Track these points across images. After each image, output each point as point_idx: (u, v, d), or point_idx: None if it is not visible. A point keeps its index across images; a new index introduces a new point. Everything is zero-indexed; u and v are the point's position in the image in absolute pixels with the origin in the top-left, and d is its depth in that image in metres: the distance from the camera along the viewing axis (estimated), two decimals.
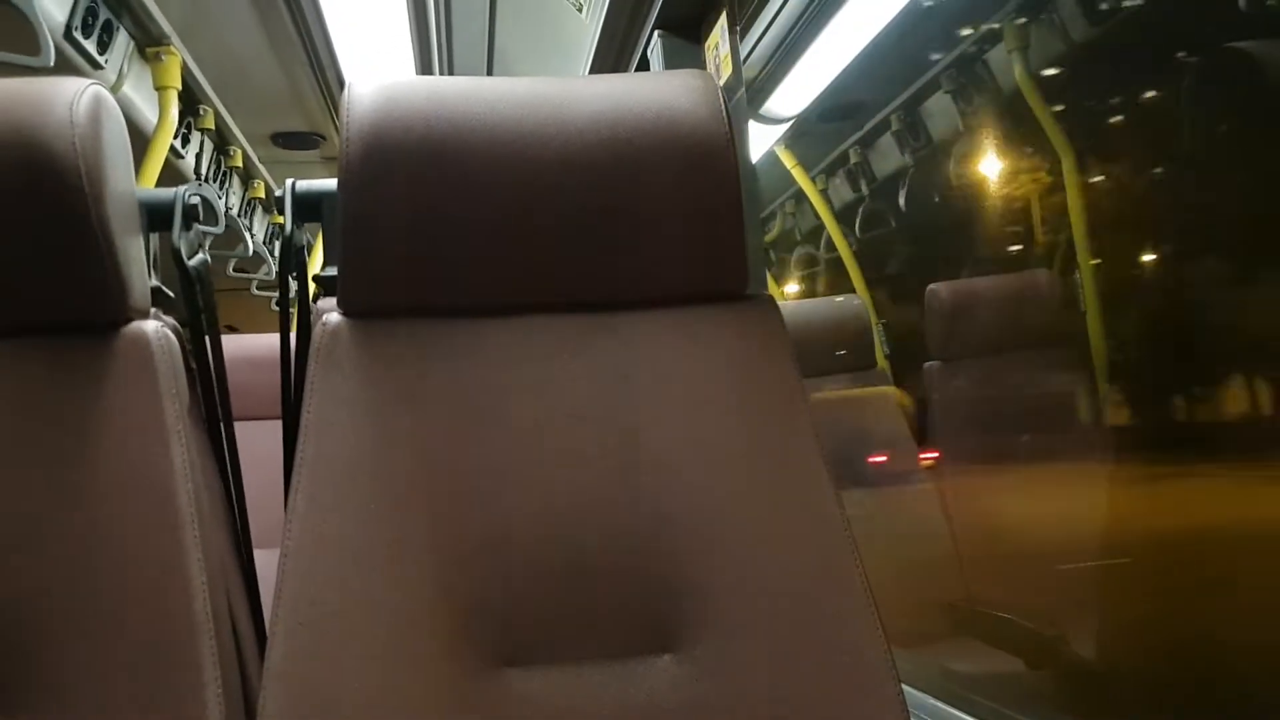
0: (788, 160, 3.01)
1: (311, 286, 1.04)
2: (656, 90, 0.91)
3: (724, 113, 0.90)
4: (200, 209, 1.03)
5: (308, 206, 1.01)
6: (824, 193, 3.08)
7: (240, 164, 3.04)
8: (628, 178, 0.87)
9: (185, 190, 1.02)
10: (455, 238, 0.86)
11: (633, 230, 0.88)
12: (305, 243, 1.07)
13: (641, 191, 0.88)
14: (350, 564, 0.78)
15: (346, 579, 0.77)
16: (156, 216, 1.01)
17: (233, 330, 2.61)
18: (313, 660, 0.75)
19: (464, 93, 0.89)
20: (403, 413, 0.84)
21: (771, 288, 3.47)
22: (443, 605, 0.78)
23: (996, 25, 2.43)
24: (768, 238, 3.54)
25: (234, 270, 3.53)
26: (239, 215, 3.23)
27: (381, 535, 0.79)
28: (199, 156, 2.83)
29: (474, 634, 0.79)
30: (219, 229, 2.88)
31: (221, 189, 3.02)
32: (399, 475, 0.82)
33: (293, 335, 1.03)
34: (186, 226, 1.01)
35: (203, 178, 2.85)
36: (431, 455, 0.83)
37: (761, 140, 2.93)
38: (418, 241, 0.86)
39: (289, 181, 1.02)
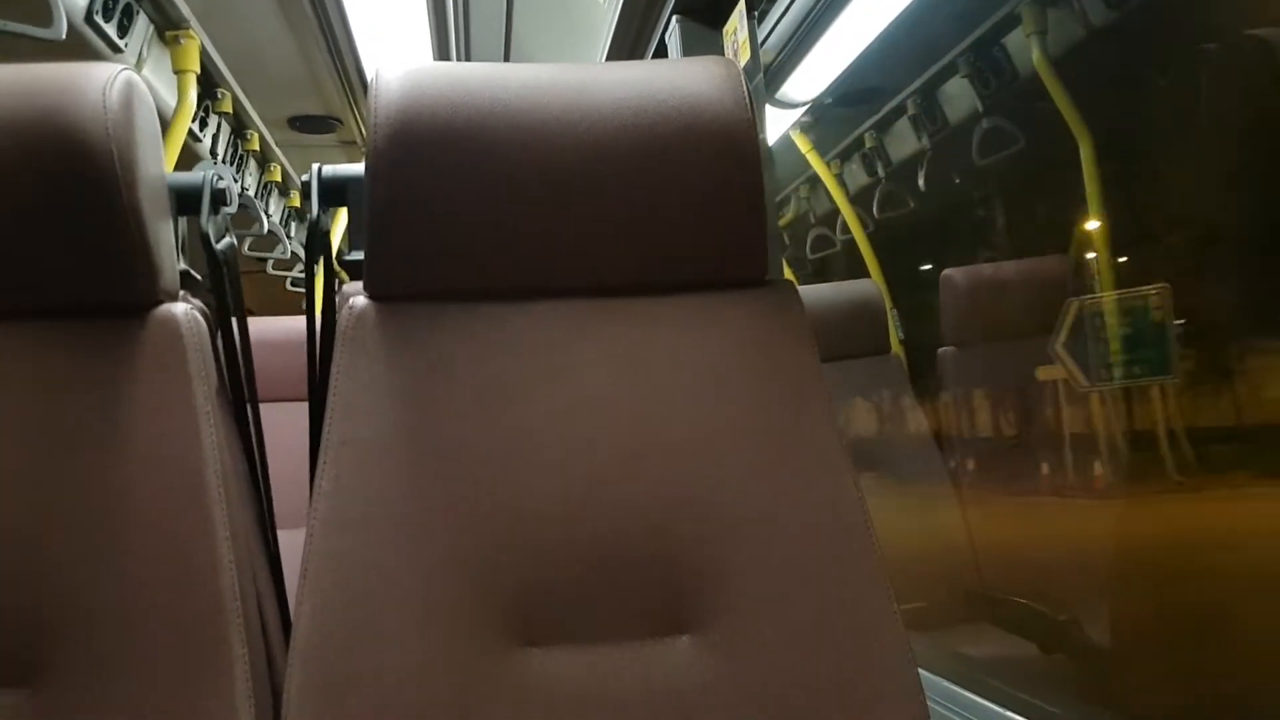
0: (803, 145, 3.01)
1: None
2: (679, 77, 0.92)
3: (747, 100, 0.91)
4: (228, 193, 1.04)
5: (333, 191, 1.03)
6: (839, 177, 3.08)
7: (257, 147, 3.04)
8: (650, 164, 0.88)
9: (213, 174, 1.03)
10: (480, 223, 0.87)
11: (655, 216, 0.89)
12: (326, 227, 1.08)
13: (664, 178, 0.89)
14: (374, 545, 0.79)
15: (371, 560, 0.79)
16: (185, 200, 1.02)
17: (249, 313, 2.62)
18: (337, 640, 0.76)
19: (488, 79, 0.90)
20: (427, 396, 0.85)
21: (785, 271, 3.47)
22: (465, 586, 0.80)
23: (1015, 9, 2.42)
24: (782, 222, 3.54)
25: (249, 250, 3.55)
26: (256, 198, 3.24)
27: (405, 517, 0.81)
28: (216, 139, 2.85)
29: (496, 615, 0.80)
30: (232, 209, 2.90)
31: (239, 172, 3.03)
32: (422, 457, 0.83)
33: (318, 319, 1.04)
34: (214, 210, 1.03)
35: (220, 160, 2.86)
36: (454, 438, 0.84)
37: (777, 124, 2.93)
38: (443, 226, 0.87)
39: (315, 166, 1.03)
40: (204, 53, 2.45)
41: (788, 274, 3.45)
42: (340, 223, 2.73)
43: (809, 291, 2.80)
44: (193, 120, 2.53)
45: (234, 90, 2.74)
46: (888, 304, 2.68)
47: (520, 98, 0.89)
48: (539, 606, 0.81)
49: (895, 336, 2.67)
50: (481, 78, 0.90)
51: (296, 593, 0.79)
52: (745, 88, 0.92)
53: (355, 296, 0.89)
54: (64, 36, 1.83)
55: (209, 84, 2.66)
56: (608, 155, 0.88)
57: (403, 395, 0.85)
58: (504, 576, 0.81)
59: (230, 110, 2.76)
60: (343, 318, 0.88)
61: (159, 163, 0.94)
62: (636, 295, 0.91)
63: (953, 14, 2.50)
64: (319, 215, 1.01)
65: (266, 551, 0.98)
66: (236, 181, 2.97)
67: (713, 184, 0.89)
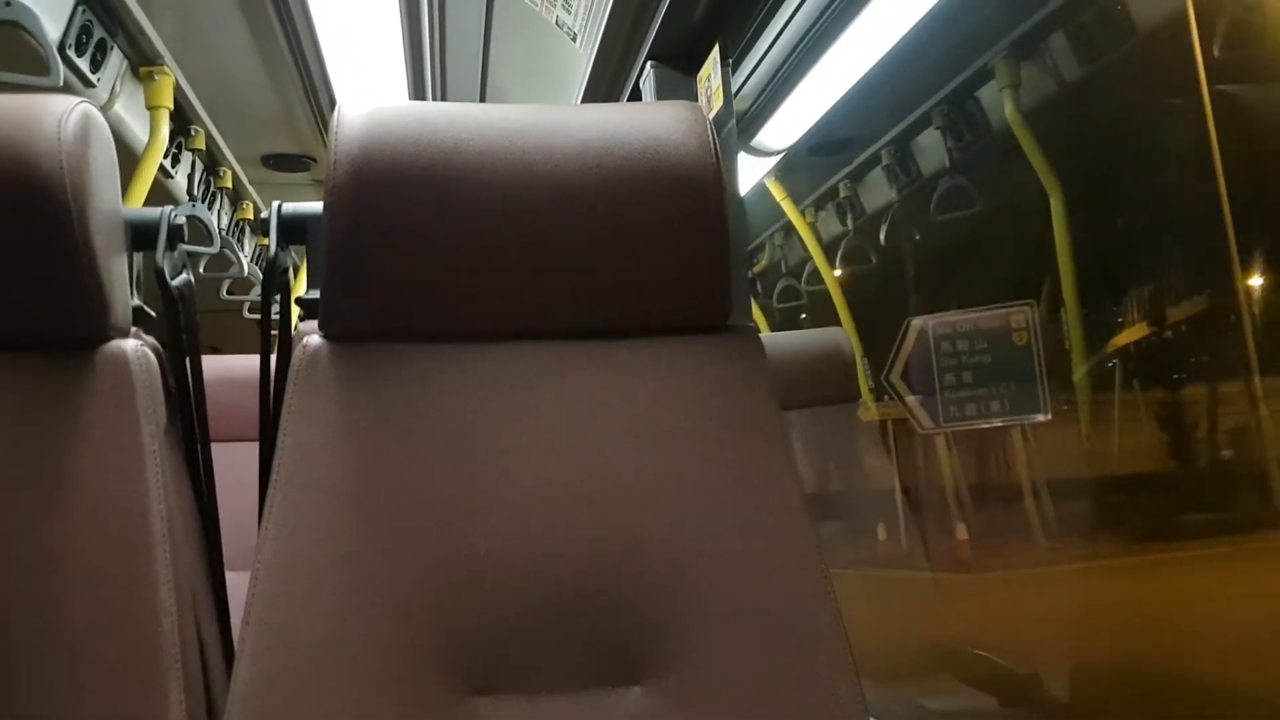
0: (777, 193, 3.02)
1: (296, 310, 1.04)
2: (646, 121, 0.91)
3: (712, 146, 0.90)
4: (185, 229, 1.03)
5: (294, 228, 1.01)
6: (813, 226, 3.10)
7: (230, 185, 3.03)
8: (614, 207, 0.87)
9: (171, 210, 1.02)
10: (439, 263, 0.86)
11: (618, 260, 0.88)
12: (291, 265, 1.07)
13: (628, 222, 0.88)
14: (320, 588, 0.77)
15: (316, 603, 0.77)
16: (142, 236, 1.01)
17: (215, 351, 2.60)
18: (279, 685, 0.74)
19: (453, 118, 0.89)
20: (380, 437, 0.83)
21: (758, 317, 3.47)
22: (413, 632, 0.78)
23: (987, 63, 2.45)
24: (756, 269, 3.55)
25: (227, 293, 3.53)
26: (228, 236, 3.23)
27: (354, 560, 0.79)
28: (190, 177, 2.84)
29: (443, 662, 0.78)
30: (214, 249, 2.88)
31: (210, 209, 3.01)
32: (373, 500, 0.81)
33: (275, 358, 1.03)
34: (171, 246, 1.01)
35: (193, 198, 2.85)
36: (407, 481, 0.82)
37: (752, 172, 2.94)
38: (401, 266, 0.86)
39: (275, 203, 1.02)
40: (178, 89, 2.45)
41: (759, 318, 3.46)
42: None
43: (778, 338, 2.81)
44: (165, 157, 2.52)
45: (207, 127, 2.73)
46: (858, 353, 2.68)
47: (484, 138, 0.88)
48: (489, 654, 0.79)
49: (865, 386, 2.67)
50: (446, 117, 0.89)
51: (239, 636, 0.77)
52: (711, 133, 0.91)
53: (310, 335, 0.88)
54: (61, 84, 1.83)
55: (182, 120, 2.65)
56: (571, 197, 0.87)
57: (355, 436, 0.83)
58: (453, 623, 0.79)
59: (203, 147, 2.75)
60: (296, 356, 0.86)
61: (115, 197, 0.92)
62: (597, 339, 0.90)
63: (928, 67, 2.52)
64: (277, 252, 0.99)
65: (213, 594, 0.96)
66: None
67: (676, 228, 0.88)
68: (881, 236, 2.84)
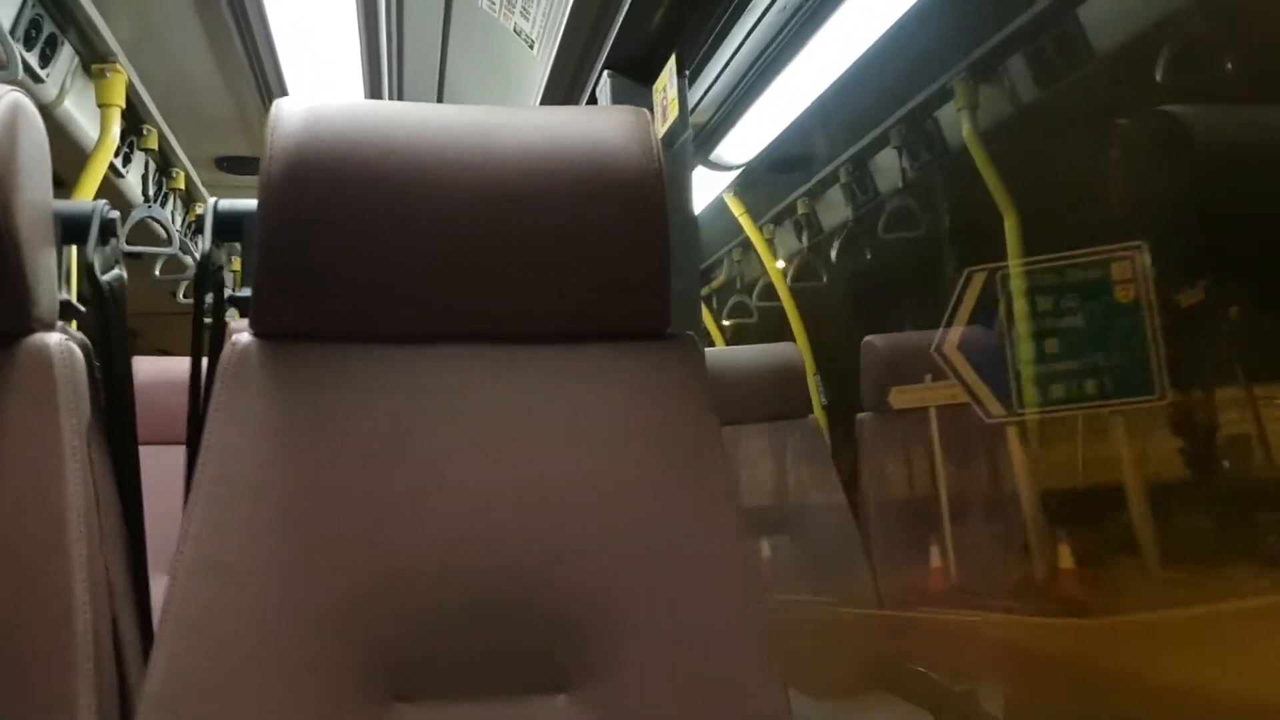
0: (735, 208, 3.02)
1: None
2: (589, 125, 0.90)
3: (655, 151, 0.89)
4: (118, 224, 1.01)
5: (230, 226, 0.99)
6: (770, 242, 3.10)
7: (183, 186, 2.99)
8: (554, 210, 0.86)
9: (104, 204, 1.00)
10: (373, 262, 0.84)
11: (556, 264, 0.87)
12: (226, 263, 1.05)
13: (567, 225, 0.87)
14: (241, 590, 0.75)
15: (236, 606, 0.75)
16: (74, 229, 0.98)
17: (165, 353, 2.56)
18: (192, 688, 0.72)
19: (393, 118, 0.88)
20: (307, 437, 0.82)
21: (712, 330, 3.48)
22: (335, 636, 0.76)
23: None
24: (714, 284, 3.55)
25: (183, 296, 3.49)
26: (183, 239, 3.19)
27: (276, 562, 0.77)
28: (144, 178, 2.80)
29: (366, 667, 0.76)
30: (172, 249, 2.84)
31: (163, 210, 2.97)
32: (299, 502, 0.79)
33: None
34: (103, 241, 0.99)
35: (147, 199, 2.81)
36: (334, 482, 0.80)
37: (712, 187, 2.94)
38: (334, 264, 0.84)
39: (211, 200, 1.00)
40: (130, 88, 2.41)
41: (713, 332, 3.46)
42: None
43: (730, 353, 2.81)
44: (116, 156, 2.48)
45: (160, 127, 2.69)
46: (810, 369, 2.68)
47: (423, 138, 0.86)
48: (412, 660, 0.77)
49: (818, 402, 2.67)
50: (386, 116, 0.88)
51: (155, 638, 0.74)
52: (654, 139, 0.90)
53: (240, 333, 0.86)
54: (19, 76, 1.80)
55: (135, 120, 2.61)
56: (510, 199, 0.86)
57: (282, 436, 0.81)
58: (378, 627, 0.77)
59: (156, 148, 2.71)
60: (225, 354, 0.84)
61: (44, 189, 0.90)
62: (533, 343, 0.88)
63: (887, 85, 2.54)
64: (211, 249, 0.97)
65: (135, 595, 0.93)
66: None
67: (616, 233, 0.87)
68: (833, 254, 2.85)
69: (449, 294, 0.86)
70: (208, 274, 0.97)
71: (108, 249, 1.00)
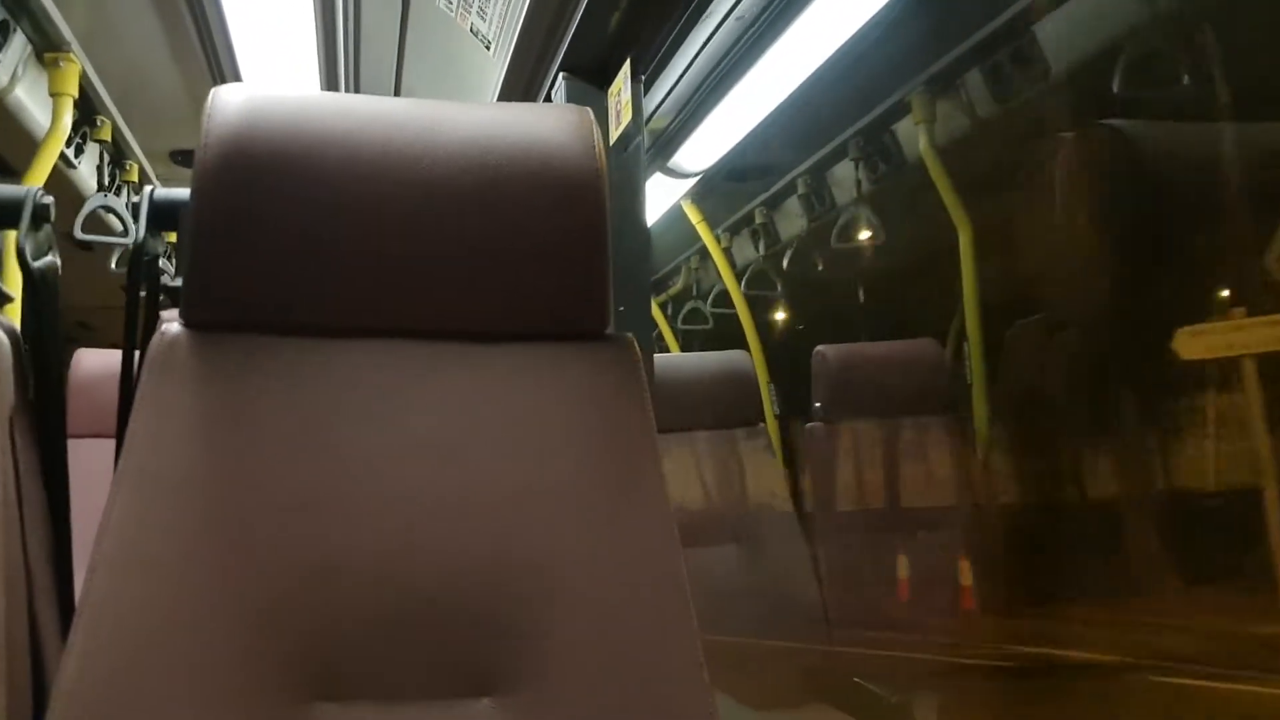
0: (693, 215, 3.03)
1: None
2: (531, 122, 0.90)
3: (597, 150, 0.89)
4: (51, 209, 0.99)
5: (164, 214, 0.98)
6: (728, 251, 3.11)
7: (136, 179, 2.96)
8: (493, 206, 0.86)
9: (37, 189, 0.98)
10: (307, 254, 0.83)
11: (495, 261, 0.86)
12: (164, 252, 1.03)
13: (506, 222, 0.86)
14: (160, 585, 0.74)
15: (155, 601, 0.73)
16: (6, 215, 0.96)
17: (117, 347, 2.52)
18: (106, 684, 0.70)
19: (334, 109, 0.87)
20: (235, 430, 0.80)
21: (667, 336, 3.48)
22: (256, 633, 0.74)
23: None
24: (672, 291, 3.55)
25: None
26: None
27: (199, 557, 0.75)
28: (100, 169, 2.76)
29: (287, 665, 0.75)
30: (130, 240, 2.81)
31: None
32: (224, 496, 0.78)
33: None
34: (36, 226, 0.97)
35: (101, 190, 2.78)
36: (261, 477, 0.79)
37: (670, 193, 2.94)
38: (268, 255, 0.83)
39: (147, 188, 0.99)
40: (84, 78, 2.38)
41: (668, 339, 3.45)
42: None
43: (682, 358, 2.81)
44: (68, 146, 2.45)
45: (114, 118, 2.66)
46: (764, 378, 2.69)
47: (363, 130, 0.86)
48: (335, 659, 0.76)
49: (770, 411, 2.68)
50: (327, 106, 0.87)
51: (70, 633, 0.73)
52: (597, 138, 0.90)
53: (170, 324, 0.84)
54: None
55: (88, 110, 2.58)
56: (449, 193, 0.85)
57: (209, 429, 0.80)
58: (299, 625, 0.76)
59: (109, 139, 2.68)
60: (153, 345, 0.83)
61: None
62: (469, 341, 0.87)
63: (847, 97, 2.55)
64: (145, 238, 0.96)
65: (57, 590, 0.91)
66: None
67: (555, 232, 0.87)
68: (784, 263, 2.86)
69: (384, 289, 0.85)
70: (139, 263, 0.96)
71: (40, 235, 0.98)
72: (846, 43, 2.08)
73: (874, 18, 1.98)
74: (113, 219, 2.78)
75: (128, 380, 0.97)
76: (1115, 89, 1.64)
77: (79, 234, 2.67)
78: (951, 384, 2.29)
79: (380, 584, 0.78)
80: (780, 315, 3.05)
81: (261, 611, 0.75)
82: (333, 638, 0.76)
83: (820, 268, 2.80)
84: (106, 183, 2.80)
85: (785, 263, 2.85)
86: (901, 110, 2.54)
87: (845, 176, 2.74)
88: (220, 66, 2.45)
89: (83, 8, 2.25)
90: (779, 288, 2.97)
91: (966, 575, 1.95)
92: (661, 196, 2.91)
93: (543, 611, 0.79)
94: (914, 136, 2.51)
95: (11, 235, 0.99)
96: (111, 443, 1.27)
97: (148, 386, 0.81)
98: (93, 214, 2.66)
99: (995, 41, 2.17)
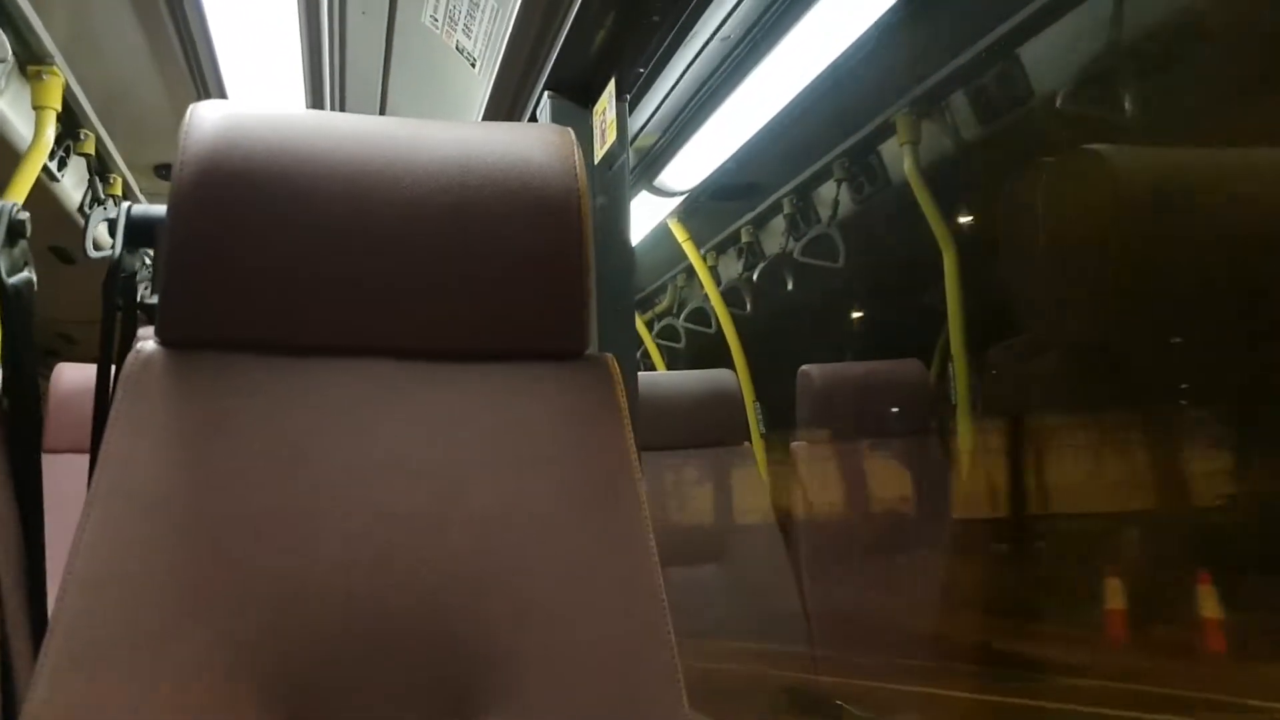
0: (679, 234, 3.03)
1: None
2: (512, 141, 0.90)
3: (578, 169, 0.88)
4: (28, 225, 0.98)
5: (141, 231, 0.97)
6: (714, 269, 3.11)
7: (120, 193, 2.94)
8: (472, 225, 0.85)
9: (13, 205, 0.97)
10: (284, 272, 0.83)
11: (473, 280, 0.86)
12: (142, 269, 1.02)
13: (485, 241, 0.85)
14: (133, 605, 0.73)
15: (127, 621, 0.72)
16: None
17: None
18: (78, 705, 0.69)
19: (313, 126, 0.86)
20: (209, 448, 0.79)
21: (653, 354, 3.47)
22: (230, 654, 0.73)
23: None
24: (658, 308, 3.56)
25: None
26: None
27: (172, 575, 0.74)
28: (89, 183, 2.75)
29: (262, 686, 0.74)
30: (114, 252, 2.79)
31: None
32: (198, 513, 0.77)
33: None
34: (11, 242, 0.96)
35: (82, 205, 2.76)
36: (235, 495, 0.78)
37: (656, 212, 2.95)
38: (245, 273, 0.82)
39: (124, 204, 0.98)
40: (67, 90, 2.37)
41: (654, 355, 3.45)
42: None
43: (666, 377, 2.80)
44: (51, 159, 2.44)
45: (98, 132, 2.65)
46: (749, 397, 2.68)
47: (343, 148, 0.85)
48: (311, 681, 0.75)
49: (756, 429, 2.67)
50: (306, 124, 0.87)
51: (40, 653, 0.72)
52: (578, 157, 0.90)
53: (146, 341, 0.84)
54: None
55: (72, 124, 2.57)
56: (429, 212, 0.85)
57: (184, 447, 0.79)
58: (275, 646, 0.75)
59: (93, 152, 2.67)
60: (128, 362, 0.82)
61: None
62: (447, 360, 0.87)
63: (832, 117, 2.56)
64: (122, 255, 0.95)
65: (29, 608, 0.90)
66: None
67: (534, 252, 0.86)
68: (755, 277, 2.87)
69: (362, 308, 0.85)
70: (115, 280, 0.95)
71: (16, 251, 0.97)
72: (832, 63, 2.09)
73: (859, 39, 1.99)
74: (105, 232, 2.77)
75: (103, 397, 0.96)
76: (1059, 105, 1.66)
77: (91, 253, 2.66)
78: (936, 403, 2.29)
79: (355, 603, 0.77)
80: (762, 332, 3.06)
81: (234, 631, 0.74)
82: (307, 657, 0.75)
83: (790, 286, 2.81)
84: (90, 197, 2.79)
85: (755, 277, 2.86)
86: (887, 131, 2.54)
87: (831, 196, 2.75)
88: (205, 80, 2.44)
89: (66, 20, 2.24)
90: (747, 306, 2.97)
91: (1210, 604, 1.46)
92: (647, 215, 2.91)
93: (519, 631, 0.78)
94: (899, 157, 2.52)
95: None
96: (82, 456, 1.27)
97: (123, 404, 0.80)
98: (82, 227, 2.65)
99: (980, 64, 2.17)
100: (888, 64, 2.24)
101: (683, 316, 3.27)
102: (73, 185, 2.72)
